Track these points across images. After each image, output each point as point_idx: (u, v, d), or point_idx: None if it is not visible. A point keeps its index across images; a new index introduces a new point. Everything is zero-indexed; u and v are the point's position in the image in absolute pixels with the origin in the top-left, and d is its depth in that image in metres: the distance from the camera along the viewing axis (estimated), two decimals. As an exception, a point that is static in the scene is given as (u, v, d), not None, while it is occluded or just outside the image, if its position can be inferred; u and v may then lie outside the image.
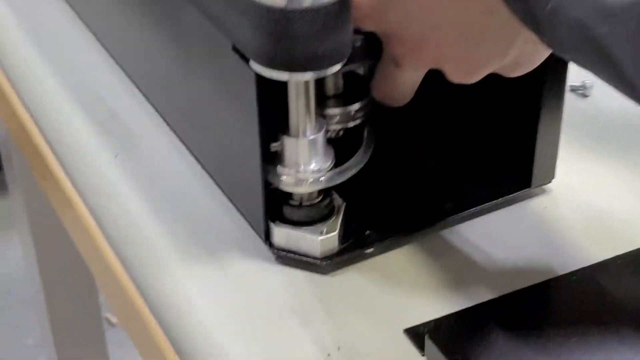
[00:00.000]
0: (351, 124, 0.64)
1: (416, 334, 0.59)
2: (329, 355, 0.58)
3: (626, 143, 0.76)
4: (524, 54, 0.58)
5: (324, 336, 0.59)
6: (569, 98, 0.80)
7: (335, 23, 0.55)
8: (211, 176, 0.71)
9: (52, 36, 0.90)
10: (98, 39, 0.88)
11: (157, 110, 0.78)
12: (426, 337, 0.57)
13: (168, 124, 0.77)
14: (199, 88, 0.68)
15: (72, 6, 0.94)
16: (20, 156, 1.17)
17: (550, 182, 0.69)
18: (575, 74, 0.79)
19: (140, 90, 0.81)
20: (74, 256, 1.08)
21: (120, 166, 0.74)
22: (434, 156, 0.73)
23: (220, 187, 0.70)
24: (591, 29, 0.45)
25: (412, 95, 0.63)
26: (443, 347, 0.56)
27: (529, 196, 0.70)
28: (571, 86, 0.82)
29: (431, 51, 0.58)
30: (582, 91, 0.82)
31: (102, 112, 0.79)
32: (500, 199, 0.68)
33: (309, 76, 0.57)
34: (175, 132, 0.76)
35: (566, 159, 0.72)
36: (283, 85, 0.60)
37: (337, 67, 0.57)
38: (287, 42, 0.55)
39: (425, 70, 0.61)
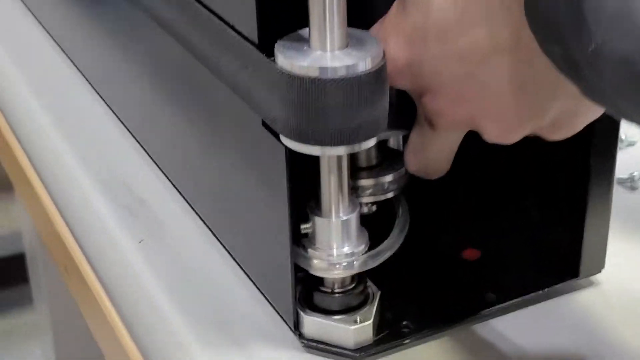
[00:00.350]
0: (384, 197, 0.61)
1: None
2: None
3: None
4: (566, 112, 0.54)
5: None
6: (616, 191, 0.77)
7: (371, 93, 0.52)
8: (238, 263, 0.68)
9: (78, 121, 0.89)
10: (123, 122, 0.86)
11: (183, 196, 0.76)
12: None
13: (194, 210, 0.74)
14: (227, 167, 0.65)
15: (96, 90, 0.92)
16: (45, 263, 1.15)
17: (599, 271, 0.65)
18: (623, 167, 0.78)
19: (165, 174, 0.78)
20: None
21: (145, 252, 0.70)
22: (474, 241, 0.69)
23: (247, 274, 0.67)
24: (637, 66, 0.41)
25: (449, 166, 0.60)
26: None
27: (577, 288, 0.66)
28: (618, 179, 0.78)
29: (468, 105, 0.54)
30: (629, 184, 0.78)
31: (128, 198, 0.77)
32: (545, 289, 0.64)
33: (342, 150, 0.54)
34: (201, 217, 0.73)
35: (615, 252, 0.68)
36: (315, 161, 0.57)
37: (372, 142, 0.54)
38: (319, 114, 0.52)
39: (463, 132, 0.58)
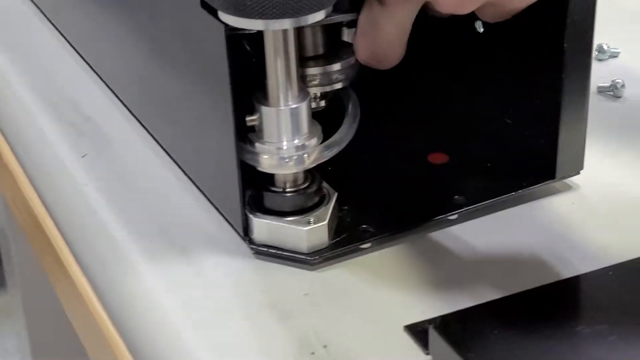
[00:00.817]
0: (330, 88, 0.56)
1: (419, 331, 0.49)
2: (313, 353, 0.48)
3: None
4: None
5: (309, 333, 0.49)
6: (599, 99, 0.72)
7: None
8: (184, 170, 0.62)
9: (24, 42, 0.83)
10: (68, 40, 0.81)
11: (129, 109, 0.70)
12: (433, 333, 0.47)
13: (140, 121, 0.68)
14: (168, 65, 0.60)
15: (40, 10, 0.87)
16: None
17: (578, 173, 0.60)
18: (606, 77, 0.73)
19: (111, 89, 0.73)
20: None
21: (88, 165, 0.65)
22: (442, 145, 0.64)
23: (193, 181, 0.61)
24: None
25: (402, 51, 0.55)
26: (454, 343, 0.46)
27: (553, 191, 0.61)
28: (600, 87, 0.73)
29: None
30: (611, 92, 0.73)
31: (74, 114, 0.71)
32: (519, 192, 0.59)
33: (288, 24, 0.48)
34: (147, 127, 0.67)
35: (597, 157, 0.63)
36: (260, 46, 0.52)
37: (321, 15, 0.49)
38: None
39: (414, 7, 0.53)
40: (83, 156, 0.66)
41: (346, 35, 0.57)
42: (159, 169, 0.64)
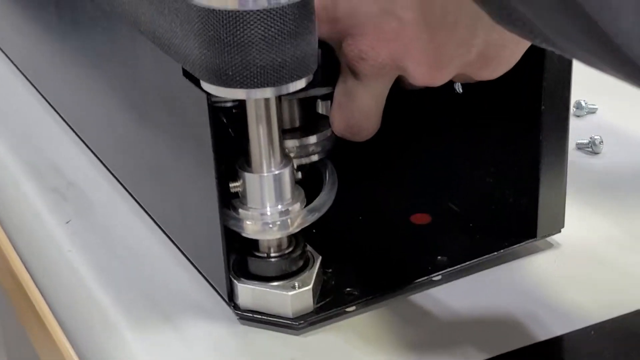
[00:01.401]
0: (308, 161, 0.57)
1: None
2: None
3: (638, 200, 0.68)
4: (492, 44, 0.51)
5: (294, 401, 0.50)
6: (577, 155, 0.73)
7: (297, 26, 0.48)
8: (169, 236, 0.63)
9: (6, 104, 0.84)
10: (50, 103, 0.81)
11: (112, 173, 0.71)
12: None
13: (124, 186, 0.69)
14: (152, 132, 0.60)
15: (21, 71, 0.87)
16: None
17: (559, 231, 0.61)
18: (584, 133, 0.74)
19: (95, 153, 0.73)
20: None
21: (72, 232, 0.65)
22: (424, 205, 0.64)
23: (178, 247, 0.62)
24: None
25: (377, 123, 0.55)
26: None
27: (536, 250, 0.61)
28: (579, 144, 0.74)
29: (389, 44, 0.51)
30: (590, 148, 0.74)
31: (57, 179, 0.72)
32: (501, 251, 0.60)
33: (269, 92, 0.49)
34: (131, 193, 0.68)
35: (577, 215, 0.63)
36: (242, 114, 0.52)
37: (301, 83, 0.49)
38: (240, 50, 0.47)
39: (388, 81, 0.53)
40: (67, 222, 0.66)
41: (321, 107, 0.58)
42: (144, 234, 0.64)
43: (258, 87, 0.48)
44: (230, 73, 0.48)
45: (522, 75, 0.56)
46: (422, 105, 0.67)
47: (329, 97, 0.57)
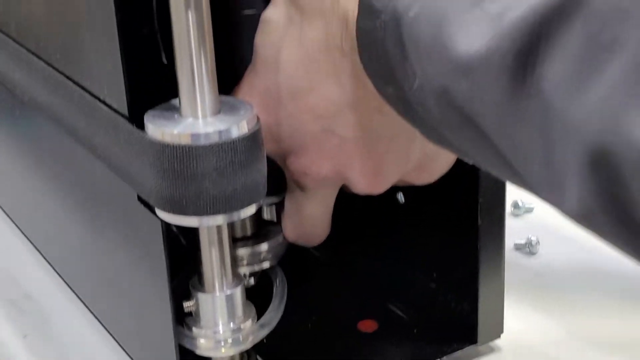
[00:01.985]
0: (259, 268, 0.59)
1: None
2: None
3: (575, 298, 0.71)
4: (428, 154, 0.55)
5: None
6: (515, 256, 0.76)
7: (247, 158, 0.51)
8: (126, 350, 0.65)
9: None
10: (7, 214, 0.83)
11: (69, 285, 0.72)
12: None
13: (80, 299, 0.71)
14: (107, 249, 0.63)
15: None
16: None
17: (498, 337, 0.64)
18: (521, 233, 0.77)
19: (52, 265, 0.75)
20: None
21: (29, 347, 0.67)
22: (369, 307, 0.67)
23: (135, 361, 0.64)
24: (453, 92, 0.40)
25: (327, 229, 0.59)
26: None
27: (477, 355, 0.64)
28: (516, 244, 0.78)
29: (331, 160, 0.54)
30: (528, 249, 0.77)
31: (14, 292, 0.73)
32: (443, 358, 0.62)
33: (221, 220, 0.52)
34: (87, 305, 0.70)
35: (515, 316, 0.66)
36: (195, 234, 0.55)
37: (252, 209, 0.52)
38: (193, 182, 0.50)
39: (334, 190, 0.57)
40: (25, 336, 0.68)
41: (266, 213, 0.61)
42: (101, 348, 0.66)
43: (210, 215, 0.51)
44: (184, 203, 0.51)
45: (458, 189, 0.60)
46: (367, 213, 0.70)
47: (274, 203, 0.60)
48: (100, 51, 0.55)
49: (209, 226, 0.53)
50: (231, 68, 0.57)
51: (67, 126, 0.61)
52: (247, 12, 0.57)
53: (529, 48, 0.37)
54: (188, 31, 0.49)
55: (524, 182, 0.40)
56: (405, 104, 0.45)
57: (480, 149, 0.42)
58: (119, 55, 0.52)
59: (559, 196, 0.37)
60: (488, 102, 0.39)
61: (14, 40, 0.68)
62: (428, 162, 0.55)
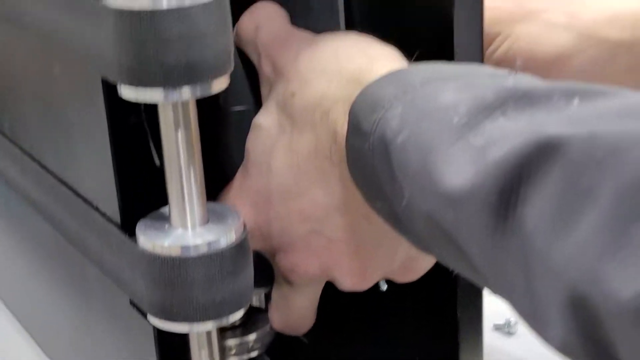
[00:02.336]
0: (247, 357, 0.61)
1: None
2: None
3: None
4: (411, 258, 0.57)
5: None
6: (493, 337, 0.78)
7: (235, 266, 0.53)
8: None
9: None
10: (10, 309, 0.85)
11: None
12: None
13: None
14: (100, 352, 0.65)
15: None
16: None
17: None
18: (500, 313, 0.79)
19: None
20: None
21: None
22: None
23: None
24: (440, 219, 0.43)
25: (313, 319, 0.61)
26: None
27: None
28: (495, 325, 0.80)
29: (319, 259, 0.56)
30: (506, 329, 0.80)
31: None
32: None
33: (210, 326, 0.54)
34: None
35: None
36: (185, 338, 0.57)
37: (240, 313, 0.54)
38: (183, 292, 0.52)
39: (320, 284, 0.59)
40: None
41: (255, 300, 0.64)
42: None
43: (200, 322, 0.53)
44: (174, 310, 0.53)
45: (438, 272, 0.61)
46: (351, 298, 0.72)
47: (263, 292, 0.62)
48: (92, 158, 0.57)
49: (199, 332, 0.55)
50: (220, 164, 0.59)
51: (60, 228, 0.64)
52: (236, 108, 0.59)
53: (510, 187, 0.39)
54: (177, 148, 0.51)
55: (508, 303, 0.42)
56: (393, 217, 0.48)
57: (465, 268, 0.45)
58: (111, 163, 0.55)
59: (542, 327, 0.39)
60: (473, 234, 0.41)
61: (8, 138, 0.70)
62: (413, 263, 0.58)
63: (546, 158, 0.38)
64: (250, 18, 0.58)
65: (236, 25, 0.59)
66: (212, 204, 0.54)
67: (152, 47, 0.46)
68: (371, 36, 0.56)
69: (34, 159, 0.66)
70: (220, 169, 0.59)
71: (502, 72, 0.46)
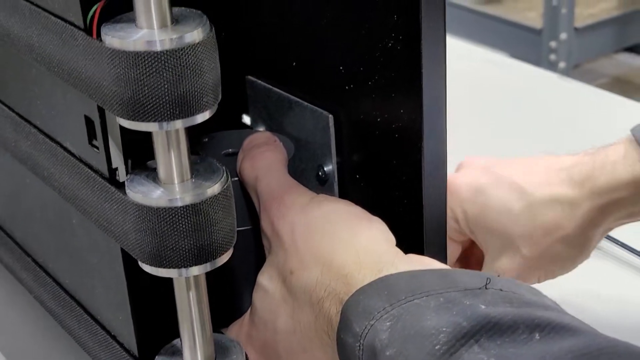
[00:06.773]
0: None
1: None
2: None
3: None
4: None
5: None
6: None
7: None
8: None
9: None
10: None
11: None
12: None
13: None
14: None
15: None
16: None
17: None
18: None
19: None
20: None
21: None
22: None
23: None
24: None
25: None
26: None
27: None
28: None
29: None
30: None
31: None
32: None
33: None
34: None
35: None
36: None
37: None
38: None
39: None
40: None
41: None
42: None
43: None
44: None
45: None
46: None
47: None
48: (110, 299, 0.62)
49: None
50: (228, 283, 0.62)
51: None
52: (238, 229, 0.57)
53: None
54: (190, 306, 0.55)
55: None
56: None
57: None
58: (128, 305, 0.59)
59: None
60: None
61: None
62: None
63: None
64: (252, 168, 0.61)
65: (239, 168, 0.61)
66: (217, 335, 0.59)
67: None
68: (359, 207, 0.57)
69: (48, 275, 0.70)
70: (229, 295, 0.62)
71: (477, 280, 0.50)
